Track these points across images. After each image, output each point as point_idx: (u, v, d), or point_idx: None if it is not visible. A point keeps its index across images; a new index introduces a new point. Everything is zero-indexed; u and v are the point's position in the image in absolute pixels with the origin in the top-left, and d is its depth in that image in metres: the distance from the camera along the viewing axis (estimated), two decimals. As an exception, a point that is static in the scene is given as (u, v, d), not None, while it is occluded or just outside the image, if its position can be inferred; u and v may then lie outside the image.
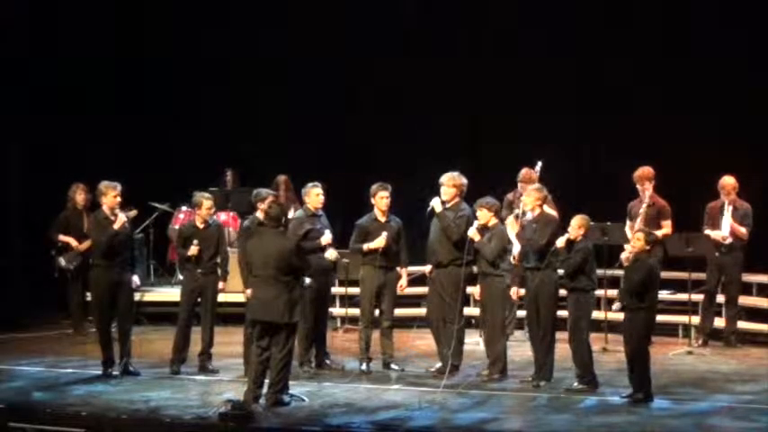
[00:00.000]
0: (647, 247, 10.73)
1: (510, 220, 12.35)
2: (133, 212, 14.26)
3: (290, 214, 14.06)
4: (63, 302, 14.90)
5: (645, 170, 13.53)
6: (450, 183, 11.92)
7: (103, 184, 12.05)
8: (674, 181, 14.01)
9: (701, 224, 13.54)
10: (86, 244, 14.11)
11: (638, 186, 13.53)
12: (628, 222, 13.44)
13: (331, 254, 11.87)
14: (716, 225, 13.45)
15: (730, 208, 13.41)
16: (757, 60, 14.71)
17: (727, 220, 13.38)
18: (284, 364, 10.44)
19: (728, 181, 13.48)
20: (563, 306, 11.37)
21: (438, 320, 11.93)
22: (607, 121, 15.38)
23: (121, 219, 11.92)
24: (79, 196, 14.59)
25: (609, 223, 13.20)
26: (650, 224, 13.19)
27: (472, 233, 11.56)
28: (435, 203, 11.88)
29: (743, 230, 13.37)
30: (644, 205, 13.39)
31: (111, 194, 11.96)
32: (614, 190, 14.20)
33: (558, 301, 11.36)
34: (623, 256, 10.80)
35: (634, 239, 10.77)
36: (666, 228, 13.35)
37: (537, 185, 11.83)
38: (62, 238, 14.56)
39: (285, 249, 10.52)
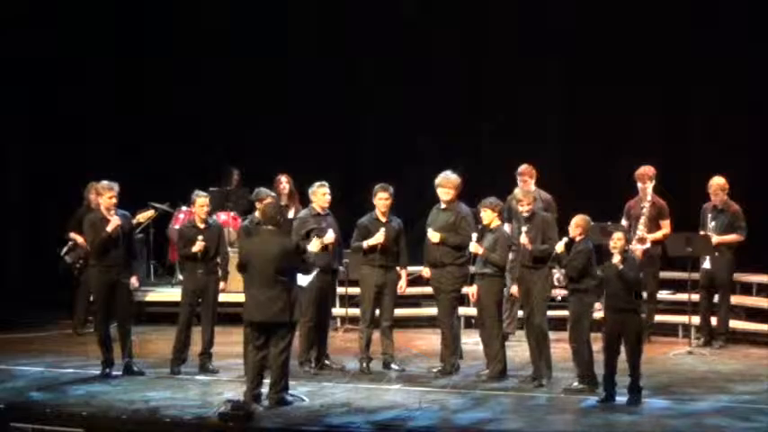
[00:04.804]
0: (627, 246, 10.71)
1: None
2: (149, 213, 14.22)
3: (290, 214, 14.10)
4: (63, 302, 14.89)
5: (646, 168, 13.38)
6: (446, 184, 11.89)
7: (100, 185, 12.02)
8: (675, 181, 14.00)
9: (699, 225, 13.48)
10: None
11: (638, 185, 13.44)
12: (624, 222, 13.30)
13: (314, 244, 11.45)
14: (704, 229, 13.30)
15: (709, 216, 13.23)
16: (757, 59, 14.71)
17: (711, 228, 13.20)
18: (283, 362, 10.45)
19: (714, 181, 13.28)
20: (563, 306, 11.36)
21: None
22: (607, 121, 15.36)
23: (114, 222, 11.83)
24: (93, 195, 14.54)
25: (609, 223, 13.17)
26: (650, 223, 13.17)
27: (473, 248, 11.54)
28: (432, 237, 11.84)
29: (729, 238, 13.19)
30: (646, 205, 13.33)
31: (106, 195, 11.92)
32: (614, 190, 14.16)
33: (550, 300, 11.38)
34: (615, 260, 10.63)
35: (614, 240, 10.59)
36: (666, 227, 13.27)
37: (528, 190, 11.90)
38: (72, 235, 14.52)
39: (286, 249, 10.53)
